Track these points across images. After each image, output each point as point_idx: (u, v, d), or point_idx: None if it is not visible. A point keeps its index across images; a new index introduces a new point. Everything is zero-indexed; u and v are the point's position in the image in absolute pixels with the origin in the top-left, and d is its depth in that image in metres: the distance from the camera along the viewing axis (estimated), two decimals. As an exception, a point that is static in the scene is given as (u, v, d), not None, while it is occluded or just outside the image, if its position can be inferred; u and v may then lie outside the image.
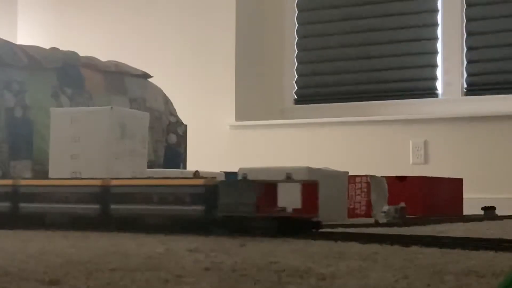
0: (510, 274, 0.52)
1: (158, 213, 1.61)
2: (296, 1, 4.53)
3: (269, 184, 1.51)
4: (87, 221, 1.71)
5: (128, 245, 1.33)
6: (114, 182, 1.70)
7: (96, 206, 1.68)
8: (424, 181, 2.76)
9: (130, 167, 2.10)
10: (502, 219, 2.52)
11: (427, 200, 2.66)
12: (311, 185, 1.52)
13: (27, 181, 1.86)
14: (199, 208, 1.54)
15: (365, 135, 4.10)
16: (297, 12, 4.53)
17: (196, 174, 1.80)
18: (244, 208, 1.46)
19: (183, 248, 1.26)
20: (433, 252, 1.25)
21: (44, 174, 2.19)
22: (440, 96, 4.16)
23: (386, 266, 1.00)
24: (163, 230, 1.59)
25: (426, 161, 3.95)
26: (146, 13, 4.71)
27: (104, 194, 1.68)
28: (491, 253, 1.22)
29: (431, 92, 4.19)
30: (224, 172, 2.13)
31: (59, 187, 1.79)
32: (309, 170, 1.92)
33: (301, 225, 1.52)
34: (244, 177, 1.53)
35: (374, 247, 1.32)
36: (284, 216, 1.48)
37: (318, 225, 1.54)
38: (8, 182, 1.84)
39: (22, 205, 1.78)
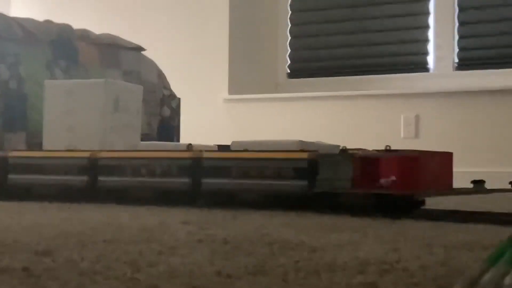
0: (499, 248, 0.53)
1: (255, 188, 1.52)
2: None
3: (367, 157, 1.41)
4: (175, 195, 1.63)
5: (122, 217, 1.33)
6: (205, 155, 1.62)
7: (186, 180, 1.60)
8: (415, 155, 2.76)
9: (124, 139, 2.10)
10: (491, 193, 2.53)
11: (418, 174, 2.66)
12: (412, 158, 1.41)
13: (107, 153, 1.78)
14: (302, 183, 1.45)
15: (357, 109, 4.11)
16: (290, -14, 4.51)
17: (189, 147, 1.80)
18: (341, 183, 1.38)
19: (176, 221, 1.26)
20: (423, 225, 1.25)
21: (38, 147, 2.19)
22: (431, 71, 4.17)
23: (377, 239, 1.00)
24: (260, 206, 1.49)
25: (417, 135, 3.96)
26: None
27: (195, 167, 1.60)
28: (480, 226, 1.23)
29: (422, 67, 4.19)
30: (217, 145, 2.13)
31: (144, 159, 1.71)
32: (301, 143, 1.92)
33: (401, 203, 1.38)
34: (343, 150, 1.46)
35: (365, 220, 1.32)
36: (383, 193, 1.36)
37: (421, 203, 1.41)
38: (86, 154, 1.77)
39: (100, 178, 1.71)
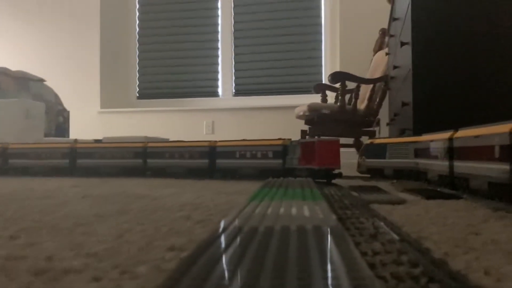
0: (255, 192, 0.56)
1: (250, 165, 1.38)
2: (137, 29, 4.37)
3: (305, 144, 1.27)
4: (199, 172, 1.46)
5: (32, 184, 1.24)
6: (219, 143, 1.45)
7: (206, 161, 1.45)
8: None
9: (32, 136, 1.95)
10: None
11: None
12: (333, 143, 1.15)
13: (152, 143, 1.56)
14: (279, 161, 1.35)
15: (180, 118, 4.10)
16: (137, 37, 4.37)
17: (76, 141, 1.70)
18: (295, 161, 1.29)
19: (68, 185, 1.20)
20: (217, 182, 1.29)
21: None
22: (220, 96, 4.24)
23: (191, 191, 1.02)
24: (253, 178, 1.37)
25: (213, 132, 4.03)
26: (43, 36, 4.33)
27: (212, 152, 1.44)
28: (251, 183, 1.28)
29: (215, 94, 4.26)
30: (93, 139, 2.03)
31: (179, 147, 1.51)
32: (146, 138, 1.89)
33: (327, 174, 1.16)
34: (305, 136, 1.34)
35: (187, 181, 1.33)
36: (314, 168, 1.20)
37: (339, 175, 1.17)
38: (141, 144, 1.55)
39: (149, 160, 1.53)
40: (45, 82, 3.18)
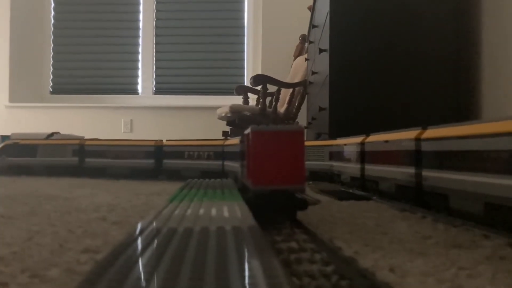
0: (174, 193, 0.56)
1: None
2: (52, 16, 4.14)
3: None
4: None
5: None
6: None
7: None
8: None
9: None
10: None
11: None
12: (288, 134, 0.50)
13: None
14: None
15: (97, 115, 3.95)
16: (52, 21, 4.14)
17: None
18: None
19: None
20: (139, 183, 1.26)
21: None
22: (140, 94, 4.14)
23: (107, 192, 0.99)
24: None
25: (131, 131, 3.92)
26: None
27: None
28: (171, 183, 1.27)
29: (135, 91, 4.15)
30: (1, 135, 1.90)
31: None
32: (61, 135, 1.80)
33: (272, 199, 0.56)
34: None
35: (101, 181, 1.29)
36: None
37: (305, 203, 0.57)
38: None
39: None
40: None
